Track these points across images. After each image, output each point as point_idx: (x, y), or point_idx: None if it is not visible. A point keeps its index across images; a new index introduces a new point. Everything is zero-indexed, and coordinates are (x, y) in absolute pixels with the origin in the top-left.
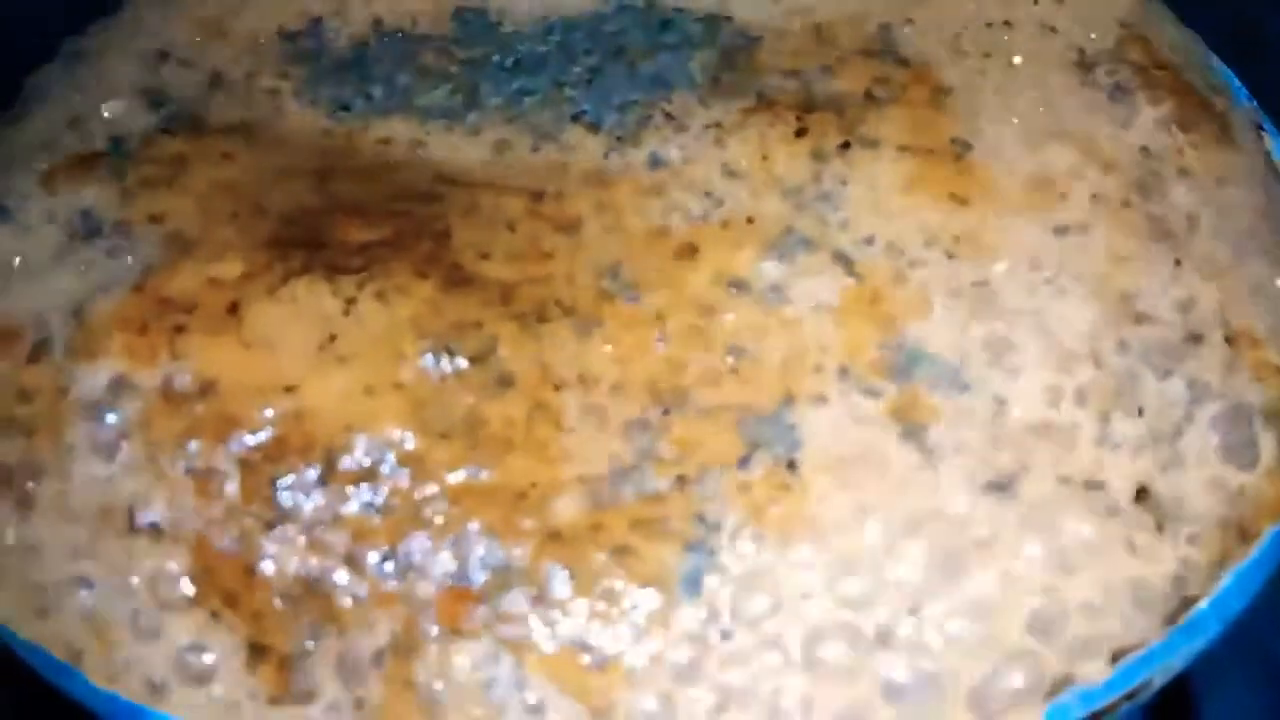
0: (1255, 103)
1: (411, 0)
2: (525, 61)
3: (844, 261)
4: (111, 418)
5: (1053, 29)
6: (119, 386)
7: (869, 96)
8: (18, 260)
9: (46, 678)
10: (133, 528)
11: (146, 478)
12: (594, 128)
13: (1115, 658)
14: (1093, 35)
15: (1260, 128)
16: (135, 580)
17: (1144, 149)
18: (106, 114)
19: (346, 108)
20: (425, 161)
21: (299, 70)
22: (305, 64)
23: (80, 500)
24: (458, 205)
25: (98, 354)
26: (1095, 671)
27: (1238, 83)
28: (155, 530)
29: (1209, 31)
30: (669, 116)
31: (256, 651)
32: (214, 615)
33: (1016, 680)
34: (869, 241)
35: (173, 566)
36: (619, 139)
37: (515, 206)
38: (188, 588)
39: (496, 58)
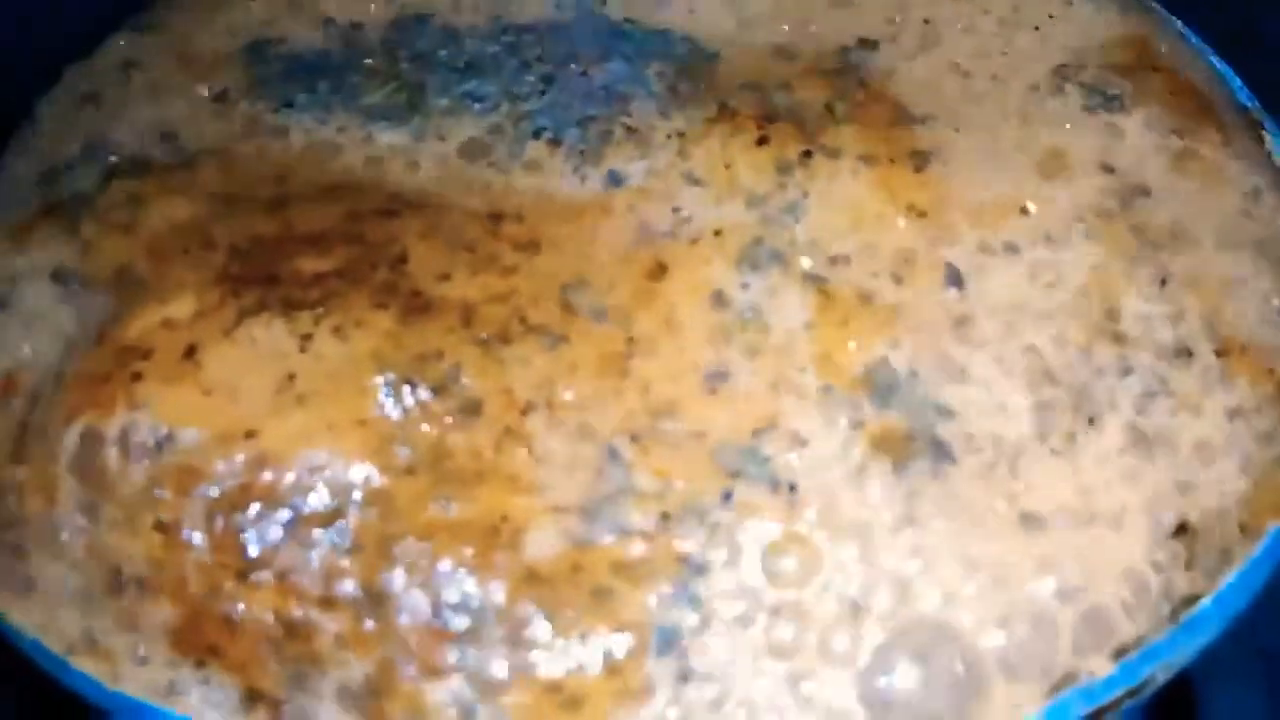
0: (1256, 102)
1: (361, 5)
2: (476, 66)
3: (812, 278)
4: (89, 476)
5: (1034, 34)
6: (91, 444)
7: (829, 109)
8: None
9: (52, 674)
10: (121, 584)
11: (124, 534)
12: (555, 144)
13: (1118, 654)
14: (1079, 39)
15: (1261, 127)
16: (131, 635)
17: (1130, 157)
18: (64, 166)
19: (290, 104)
20: (379, 180)
21: (249, 81)
22: (257, 74)
23: (75, 558)
24: (414, 227)
25: (72, 410)
26: (1098, 668)
27: (1239, 82)
28: (140, 585)
29: (1207, 30)
30: (630, 130)
31: (249, 696)
32: (201, 664)
33: (1019, 677)
34: (835, 256)
35: (159, 621)
36: (581, 154)
37: (474, 228)
38: (175, 640)
39: (445, 57)
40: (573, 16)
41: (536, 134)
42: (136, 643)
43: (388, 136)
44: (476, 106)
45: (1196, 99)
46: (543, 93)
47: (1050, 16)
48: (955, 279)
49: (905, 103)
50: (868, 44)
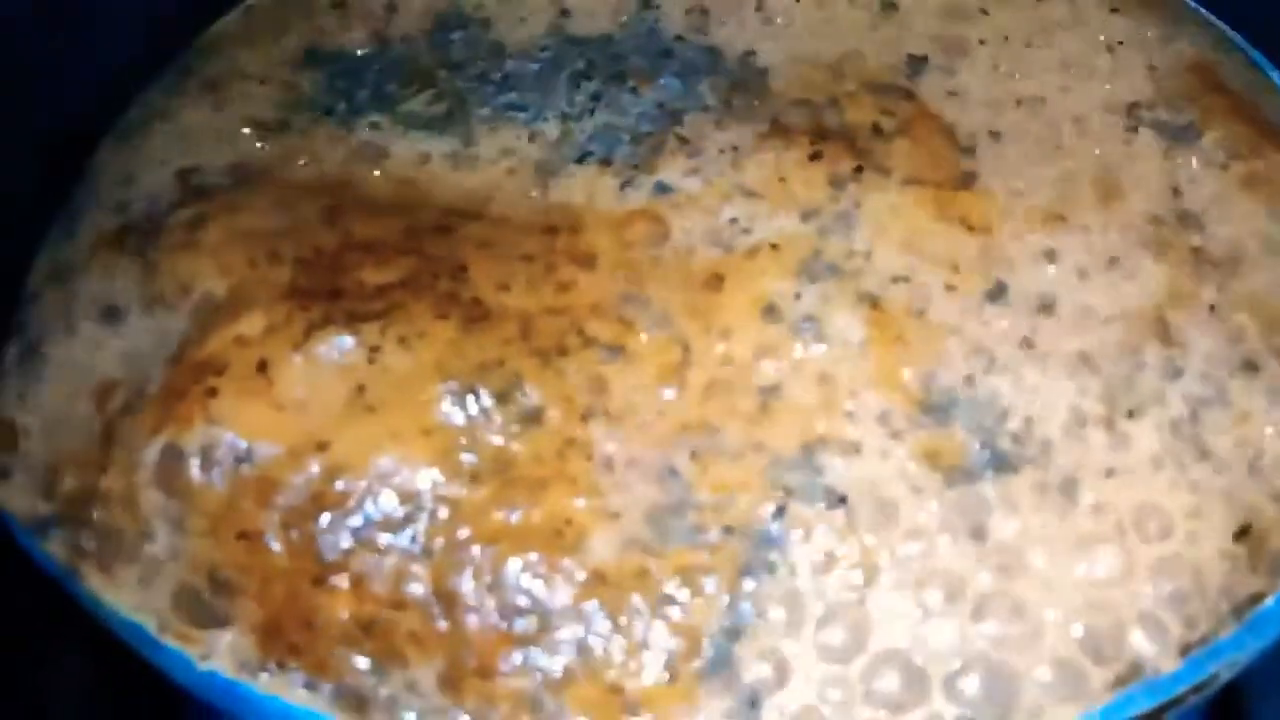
0: None
1: (412, 18)
2: (527, 80)
3: (866, 294)
4: (173, 489)
5: (1095, 55)
6: (172, 458)
7: (877, 128)
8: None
9: (142, 652)
10: (208, 588)
11: (209, 542)
12: (607, 160)
13: (1184, 651)
14: (1141, 61)
15: None
16: (219, 631)
17: (1189, 179)
18: (131, 194)
19: (341, 115)
20: (436, 194)
21: (300, 95)
22: (308, 88)
23: (162, 563)
24: (472, 240)
25: (154, 426)
26: (1164, 664)
27: None
28: (227, 589)
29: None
30: (683, 140)
31: (337, 693)
32: (282, 665)
33: (1085, 671)
34: (888, 271)
35: (245, 621)
36: (634, 166)
37: (531, 241)
38: (260, 639)
39: (489, 71)
40: (625, 33)
41: (585, 154)
42: (224, 637)
43: (437, 147)
44: (522, 116)
45: (1262, 121)
46: (592, 110)
47: (1117, 43)
48: (1005, 294)
49: (955, 120)
50: (919, 64)
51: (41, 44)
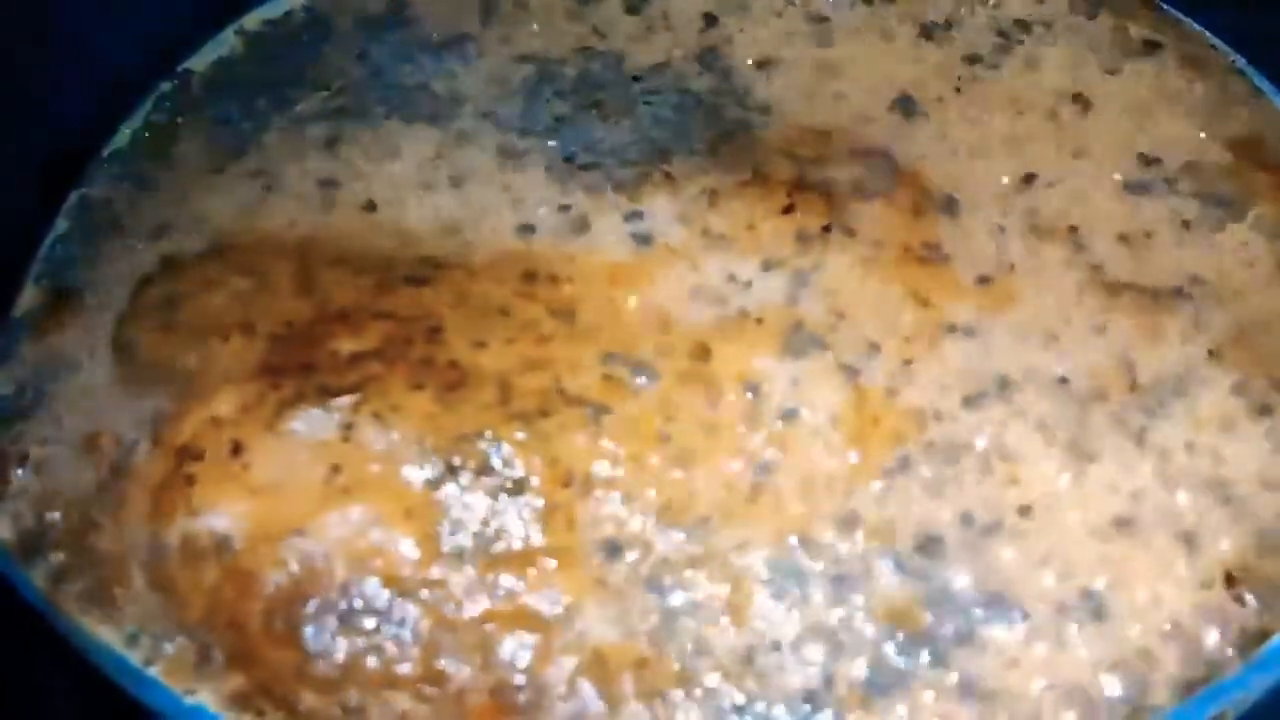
0: None
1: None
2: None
3: (846, 368)
4: (159, 581)
5: (1110, 127)
6: (158, 553)
7: (856, 188)
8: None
9: (129, 689)
10: (195, 656)
11: (193, 625)
12: (589, 194)
13: (1189, 689)
14: (1176, 134)
15: None
16: (210, 687)
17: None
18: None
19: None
20: (407, 240)
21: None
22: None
23: (144, 625)
24: (446, 293)
25: (140, 517)
26: (1168, 702)
27: None
28: (215, 662)
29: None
30: (668, 176)
31: None
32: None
33: (1091, 709)
34: (863, 342)
35: (234, 685)
36: (617, 189)
37: (508, 293)
38: (249, 698)
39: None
40: (623, 73)
41: (569, 156)
42: (213, 689)
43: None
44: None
45: None
46: (560, 132)
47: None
48: (970, 373)
49: (935, 187)
50: (911, 125)
51: (37, 63)
